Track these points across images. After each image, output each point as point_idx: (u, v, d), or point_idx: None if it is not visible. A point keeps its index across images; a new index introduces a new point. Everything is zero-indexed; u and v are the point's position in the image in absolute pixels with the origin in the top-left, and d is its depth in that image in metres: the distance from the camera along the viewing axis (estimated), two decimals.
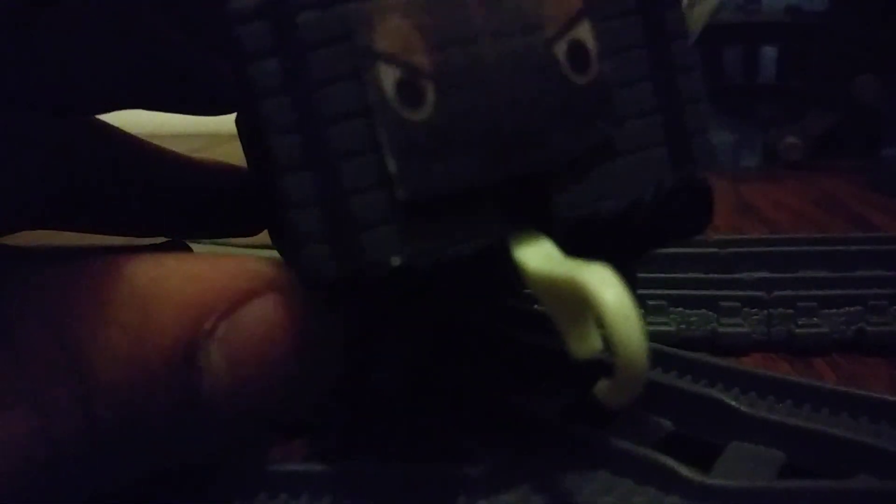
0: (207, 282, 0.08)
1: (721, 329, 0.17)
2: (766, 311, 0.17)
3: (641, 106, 0.09)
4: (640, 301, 0.18)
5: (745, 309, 0.17)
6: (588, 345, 0.08)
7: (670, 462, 0.10)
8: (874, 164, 0.38)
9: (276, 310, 0.08)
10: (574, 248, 0.08)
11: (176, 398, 0.08)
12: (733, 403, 0.12)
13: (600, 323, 0.07)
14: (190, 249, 0.16)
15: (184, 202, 0.15)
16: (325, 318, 0.08)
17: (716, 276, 0.20)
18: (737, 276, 0.19)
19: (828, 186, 0.39)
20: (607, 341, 0.07)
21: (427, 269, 0.08)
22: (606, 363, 0.08)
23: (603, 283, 0.07)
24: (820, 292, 0.18)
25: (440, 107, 0.08)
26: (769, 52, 0.45)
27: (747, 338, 0.17)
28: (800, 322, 0.17)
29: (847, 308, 0.17)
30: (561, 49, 0.08)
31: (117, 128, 0.14)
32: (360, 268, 0.08)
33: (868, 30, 0.41)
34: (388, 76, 0.08)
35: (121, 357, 0.07)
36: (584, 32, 0.08)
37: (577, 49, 0.08)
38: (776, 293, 0.18)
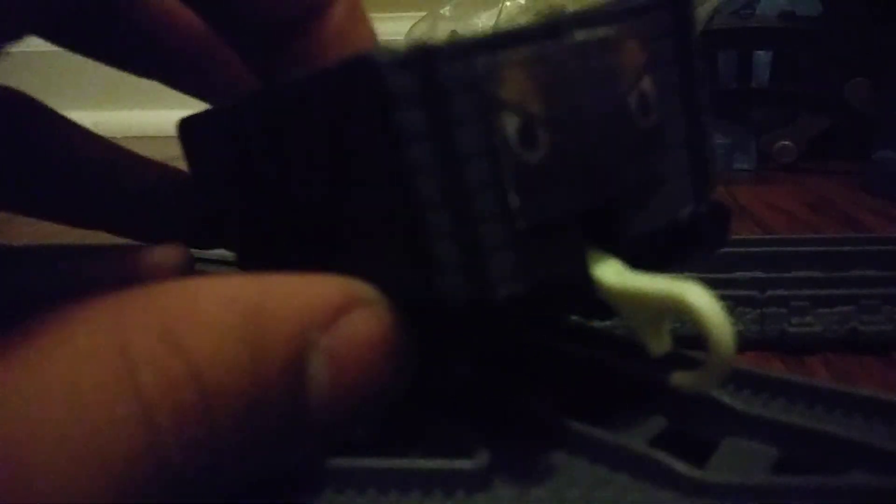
0: (306, 297, 0.09)
1: None
2: (759, 310, 0.17)
3: (677, 140, 0.11)
4: None
5: (739, 308, 0.18)
6: (663, 344, 0.10)
7: (666, 458, 0.10)
8: (866, 167, 0.39)
9: (370, 321, 0.09)
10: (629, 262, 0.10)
11: (287, 407, 0.08)
12: (727, 401, 0.12)
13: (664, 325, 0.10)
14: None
15: (114, 195, 0.16)
16: (408, 327, 0.09)
17: (710, 275, 0.20)
18: (731, 275, 0.20)
19: (820, 188, 0.39)
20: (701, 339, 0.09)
21: (536, 290, 0.09)
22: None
23: (701, 297, 0.09)
24: (813, 292, 0.18)
25: (551, 148, 0.09)
26: (763, 57, 0.45)
27: (741, 336, 0.17)
28: (793, 321, 0.17)
29: (840, 307, 0.17)
30: (633, 98, 0.10)
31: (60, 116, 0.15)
32: (485, 292, 0.09)
33: (860, 35, 0.42)
34: (511, 122, 0.09)
35: (242, 367, 0.08)
36: (647, 84, 0.10)
37: (642, 98, 0.10)
38: (769, 292, 0.18)
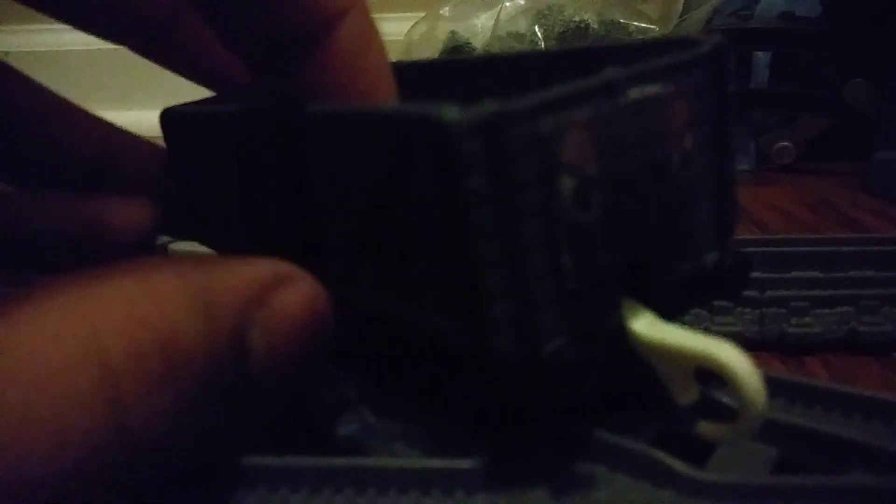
0: (245, 275, 0.09)
1: (714, 328, 0.17)
2: (758, 311, 0.17)
3: (707, 191, 0.11)
4: None
5: (738, 308, 0.18)
6: (691, 395, 0.10)
7: (665, 457, 0.10)
8: (866, 168, 0.39)
9: (297, 295, 0.10)
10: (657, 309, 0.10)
11: (233, 375, 0.09)
12: (727, 400, 0.12)
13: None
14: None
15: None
16: (329, 301, 0.10)
17: None
18: None
19: (820, 189, 0.39)
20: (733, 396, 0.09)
21: (581, 346, 0.10)
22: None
23: (735, 356, 0.09)
24: (812, 292, 0.18)
25: (603, 209, 0.09)
26: (762, 58, 0.45)
27: (740, 337, 0.17)
28: (792, 321, 0.17)
29: (839, 308, 0.17)
30: (676, 155, 0.10)
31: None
32: (534, 350, 0.09)
33: (860, 35, 0.42)
34: (568, 184, 0.09)
35: (199, 339, 0.09)
36: (689, 141, 0.10)
37: (684, 154, 0.10)
38: (769, 293, 0.18)
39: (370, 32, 0.12)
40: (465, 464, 0.10)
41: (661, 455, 0.10)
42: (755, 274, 0.20)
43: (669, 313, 0.10)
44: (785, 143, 0.45)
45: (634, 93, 0.09)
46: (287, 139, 0.12)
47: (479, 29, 0.46)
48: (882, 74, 0.40)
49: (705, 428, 0.10)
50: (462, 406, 0.12)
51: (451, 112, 0.08)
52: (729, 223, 0.11)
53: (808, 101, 0.45)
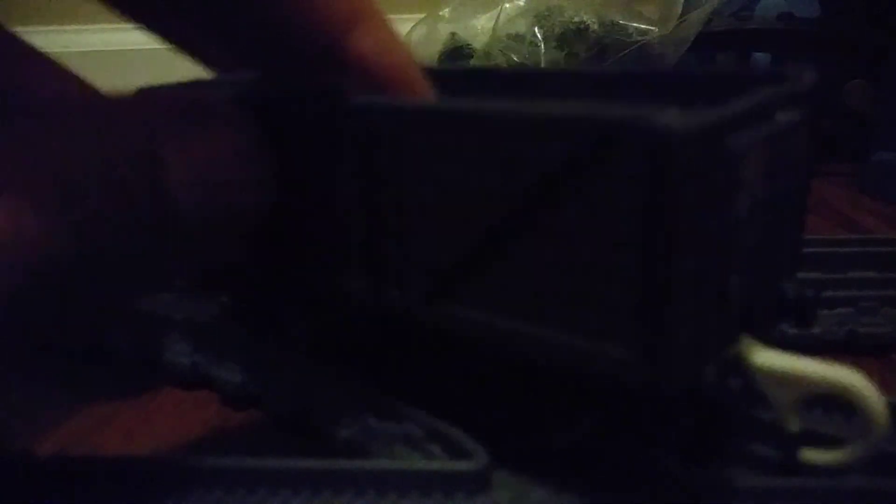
0: (158, 101, 0.10)
1: None
2: None
3: (794, 222, 0.11)
4: None
5: None
6: (797, 422, 0.10)
7: (664, 458, 0.10)
8: (864, 169, 0.39)
9: (228, 135, 0.10)
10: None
11: (145, 191, 0.09)
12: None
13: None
14: None
15: None
16: (255, 152, 0.10)
17: None
18: None
19: (818, 190, 0.39)
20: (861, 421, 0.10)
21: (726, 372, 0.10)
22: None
23: (865, 384, 0.10)
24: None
25: (762, 232, 0.09)
26: (761, 59, 0.45)
27: None
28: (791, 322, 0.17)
29: (838, 309, 0.17)
30: (799, 179, 0.11)
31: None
32: (698, 377, 0.09)
33: (858, 37, 0.42)
34: (744, 202, 0.09)
35: (99, 161, 0.09)
36: (803, 168, 0.11)
37: (799, 182, 0.11)
38: None
39: (389, 37, 0.12)
40: (464, 466, 0.10)
41: (664, 456, 0.10)
42: None
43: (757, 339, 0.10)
44: None
45: (781, 117, 0.09)
46: (375, 139, 0.11)
47: (479, 30, 0.46)
48: (881, 75, 0.40)
49: (820, 458, 0.10)
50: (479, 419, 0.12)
51: (672, 117, 0.08)
52: (799, 257, 0.11)
53: None
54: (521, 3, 0.46)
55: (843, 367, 0.10)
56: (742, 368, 0.10)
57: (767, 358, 0.10)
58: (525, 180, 0.09)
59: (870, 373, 0.17)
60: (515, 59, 0.43)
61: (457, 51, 0.46)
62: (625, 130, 0.08)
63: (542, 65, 0.43)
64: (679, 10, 0.43)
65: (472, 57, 0.44)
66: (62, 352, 0.17)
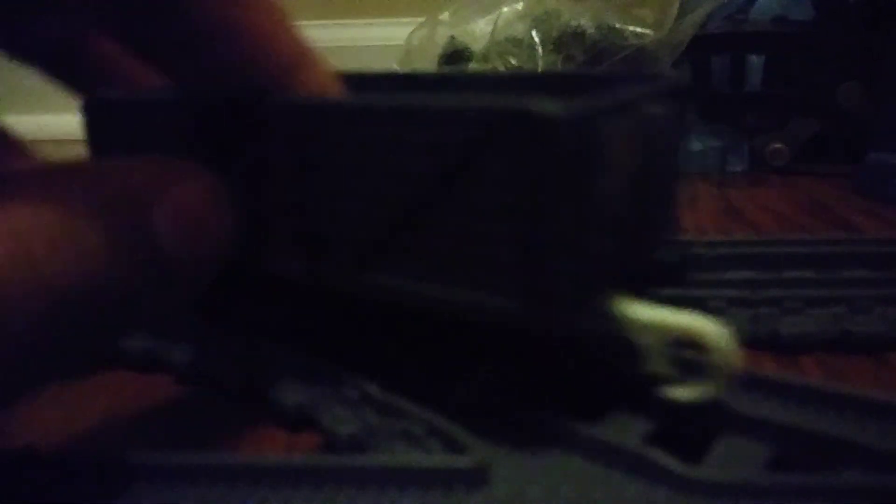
0: (142, 171, 0.11)
1: None
2: (752, 311, 0.18)
3: (668, 198, 0.13)
4: None
5: (732, 308, 0.18)
6: (665, 366, 0.12)
7: (660, 456, 0.11)
8: (858, 170, 0.39)
9: (199, 185, 0.11)
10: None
11: (143, 254, 0.10)
12: (721, 400, 0.12)
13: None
14: None
15: None
16: (226, 198, 0.11)
17: (703, 276, 0.20)
18: (723, 276, 0.20)
19: (813, 191, 0.39)
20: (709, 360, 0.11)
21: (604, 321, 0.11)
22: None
23: (711, 325, 0.11)
24: (805, 292, 0.18)
25: (630, 199, 0.11)
26: (756, 61, 0.46)
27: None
28: (786, 321, 0.18)
29: (832, 308, 0.18)
30: (667, 161, 0.13)
31: None
32: (572, 313, 0.11)
33: (852, 39, 0.42)
34: (613, 177, 0.11)
35: (102, 228, 0.10)
36: (669, 154, 0.13)
37: (670, 160, 0.13)
38: (762, 293, 0.18)
39: (328, 81, 0.13)
40: (464, 462, 0.10)
41: (656, 453, 0.11)
42: (749, 274, 0.20)
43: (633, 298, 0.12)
44: (778, 146, 0.45)
45: (647, 108, 0.11)
46: (296, 130, 0.13)
47: (478, 34, 0.46)
48: (874, 77, 0.41)
49: (681, 394, 0.12)
50: (460, 399, 0.13)
51: (550, 106, 0.10)
52: (676, 225, 0.13)
53: (801, 104, 0.45)
54: (520, 8, 0.46)
55: (700, 316, 0.11)
56: (617, 319, 0.12)
57: (636, 310, 0.11)
58: (433, 163, 0.11)
59: (863, 371, 0.17)
60: (513, 62, 0.43)
61: (456, 54, 0.46)
62: (512, 117, 0.10)
63: (540, 68, 0.43)
64: (675, 13, 0.44)
65: (471, 60, 0.45)
66: None
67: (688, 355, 0.12)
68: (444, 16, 0.49)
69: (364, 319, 0.15)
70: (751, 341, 0.18)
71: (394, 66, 0.47)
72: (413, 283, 0.12)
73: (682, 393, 0.12)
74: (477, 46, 0.46)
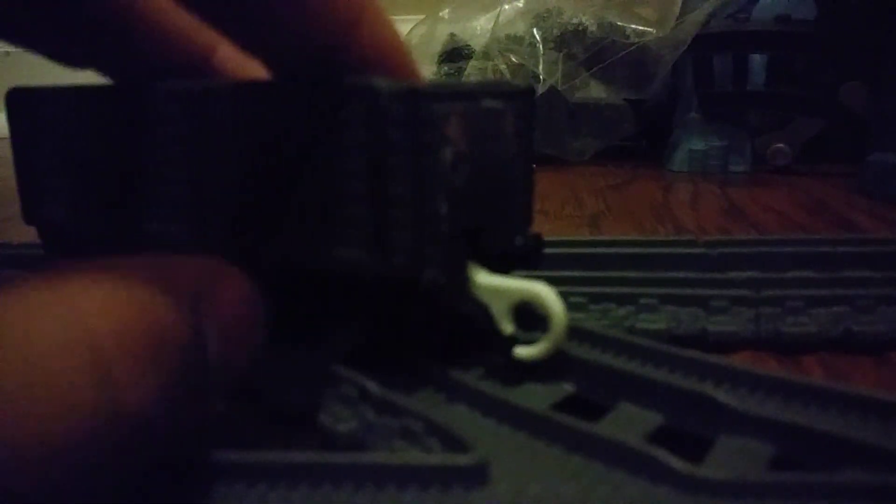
0: (188, 271, 0.10)
1: (710, 327, 0.17)
2: (754, 310, 0.18)
3: (519, 189, 0.14)
4: (633, 299, 0.18)
5: (734, 307, 0.18)
6: (511, 327, 0.13)
7: (662, 454, 0.10)
8: (860, 169, 0.39)
9: (237, 286, 0.11)
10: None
11: (197, 363, 0.09)
12: (724, 399, 0.12)
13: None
14: None
15: None
16: (260, 294, 0.11)
17: (706, 275, 0.20)
18: (726, 275, 0.20)
19: (815, 191, 0.39)
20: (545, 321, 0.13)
21: (446, 278, 0.13)
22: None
23: (547, 291, 0.13)
24: (807, 292, 0.18)
25: (467, 177, 0.13)
26: (758, 60, 0.46)
27: (736, 336, 0.17)
28: (788, 321, 0.17)
29: (834, 307, 0.18)
30: (505, 155, 0.14)
31: None
32: (419, 272, 0.12)
33: (855, 38, 0.42)
34: (448, 153, 0.12)
35: (177, 323, 0.09)
36: (513, 147, 0.14)
37: (511, 156, 0.14)
38: (765, 292, 0.18)
39: (390, 37, 0.13)
40: (463, 460, 0.10)
41: (658, 452, 0.10)
42: (751, 273, 0.20)
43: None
44: (781, 145, 0.45)
45: (486, 102, 0.13)
46: (180, 112, 0.14)
47: (479, 31, 0.46)
48: (877, 77, 0.41)
49: (523, 351, 0.13)
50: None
51: (384, 82, 0.12)
52: (529, 217, 0.15)
53: (803, 104, 0.45)
54: (520, 5, 0.46)
55: (538, 283, 0.13)
56: (469, 286, 0.13)
57: (485, 278, 0.13)
58: (291, 136, 0.13)
59: (866, 371, 0.17)
60: (514, 59, 0.43)
61: (456, 51, 0.46)
62: (356, 91, 0.12)
63: (541, 66, 0.43)
64: (677, 11, 0.43)
65: (472, 57, 0.45)
66: None
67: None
68: (445, 13, 0.48)
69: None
70: (753, 341, 0.17)
71: None
72: (285, 242, 0.14)
73: (526, 352, 0.13)
74: (477, 44, 0.45)
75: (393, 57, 0.13)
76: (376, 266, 0.12)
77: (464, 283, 0.13)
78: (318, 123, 0.13)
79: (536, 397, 0.13)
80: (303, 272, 0.14)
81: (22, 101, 0.17)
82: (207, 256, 0.11)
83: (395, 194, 0.12)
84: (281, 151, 0.13)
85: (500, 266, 0.14)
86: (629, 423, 0.12)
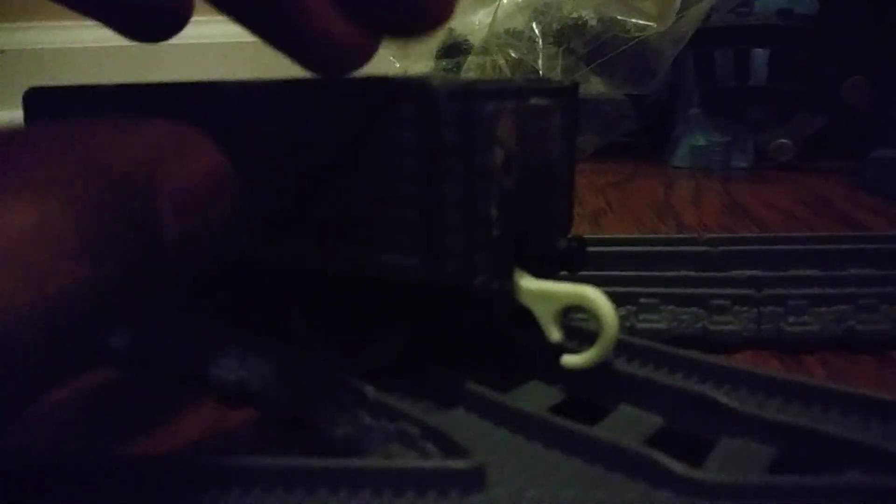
0: (144, 141, 0.10)
1: (712, 326, 0.17)
2: (756, 309, 0.17)
3: (563, 189, 0.14)
4: (633, 299, 0.18)
5: (736, 307, 0.17)
6: (559, 335, 0.13)
7: (662, 457, 0.10)
8: (863, 165, 0.39)
9: (203, 160, 0.10)
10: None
11: (145, 242, 0.09)
12: (724, 400, 0.12)
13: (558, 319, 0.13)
14: None
15: None
16: (230, 175, 0.10)
17: (707, 274, 0.20)
18: (728, 274, 0.19)
19: (817, 187, 0.39)
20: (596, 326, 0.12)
21: (496, 284, 0.12)
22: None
23: (601, 297, 0.12)
24: (810, 290, 0.18)
25: (517, 179, 0.12)
26: (760, 55, 0.45)
27: (737, 335, 0.17)
28: (790, 320, 0.17)
29: (837, 306, 0.17)
30: (555, 151, 0.14)
31: None
32: (470, 278, 0.12)
33: (857, 33, 0.42)
34: (499, 154, 0.12)
35: (109, 207, 0.09)
36: (559, 146, 0.14)
37: (557, 156, 0.14)
38: (766, 291, 0.18)
39: None
40: (460, 464, 0.10)
41: (658, 455, 0.10)
42: (753, 272, 0.20)
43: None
44: (783, 141, 0.45)
45: (534, 100, 0.13)
46: (213, 110, 0.14)
47: (477, 26, 0.46)
48: (880, 72, 0.40)
49: (571, 360, 0.13)
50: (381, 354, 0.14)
51: (437, 82, 0.11)
52: (571, 218, 0.14)
53: (805, 99, 0.45)
54: (519, 0, 0.46)
55: (587, 286, 0.12)
56: (515, 291, 0.13)
57: (531, 282, 0.13)
58: (341, 132, 0.12)
59: (868, 370, 0.17)
60: (513, 54, 0.43)
61: (454, 46, 0.46)
62: (407, 90, 0.12)
63: (541, 60, 0.43)
64: (678, 5, 0.43)
65: (470, 52, 0.44)
66: None
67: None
68: None
69: (280, 287, 0.15)
70: (755, 341, 0.17)
71: (390, 58, 0.47)
72: (327, 248, 0.13)
73: (574, 360, 0.13)
74: (476, 38, 0.45)
75: None
76: (427, 273, 0.12)
77: (512, 289, 0.13)
78: (366, 123, 0.12)
79: (535, 400, 0.13)
80: (343, 281, 0.13)
81: (41, 100, 0.17)
82: (173, 122, 0.10)
83: (447, 197, 0.11)
84: (325, 153, 0.13)
85: (543, 269, 0.13)
86: (629, 426, 0.12)
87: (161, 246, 0.09)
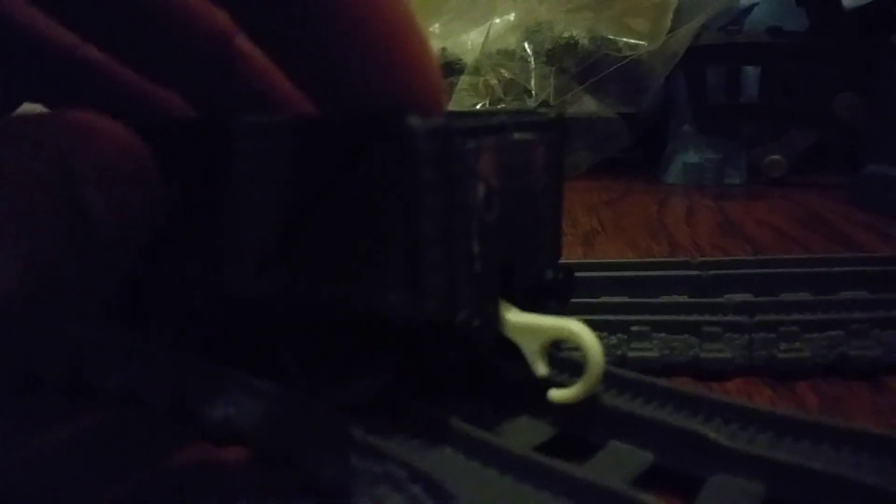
0: (62, 130, 0.10)
1: (703, 354, 0.17)
2: (747, 336, 0.17)
3: (549, 221, 0.14)
4: (624, 327, 0.18)
5: (727, 334, 0.17)
6: (545, 368, 0.13)
7: (651, 499, 0.10)
8: (856, 181, 0.39)
9: (117, 139, 0.10)
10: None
11: (78, 226, 0.10)
12: (714, 436, 0.12)
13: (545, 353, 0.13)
14: None
15: None
16: (147, 153, 0.11)
17: (698, 300, 0.20)
18: (719, 300, 0.19)
19: (810, 203, 0.39)
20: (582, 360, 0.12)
21: (479, 319, 0.12)
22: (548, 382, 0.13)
23: (586, 331, 0.12)
24: (802, 316, 0.18)
25: (499, 213, 0.12)
26: (751, 72, 0.46)
27: (729, 363, 0.17)
28: (782, 347, 0.17)
29: (829, 332, 0.17)
30: (537, 188, 0.14)
31: None
32: (451, 315, 0.12)
33: (848, 49, 0.42)
34: (480, 190, 0.12)
35: (47, 196, 0.09)
36: (544, 179, 0.14)
37: (541, 188, 0.14)
38: (758, 317, 0.18)
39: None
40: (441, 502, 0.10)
41: (646, 496, 0.10)
42: (745, 297, 0.20)
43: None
44: (775, 157, 0.45)
45: (517, 135, 0.13)
46: (206, 149, 0.14)
47: (470, 46, 0.46)
48: (871, 88, 0.41)
49: (558, 394, 0.13)
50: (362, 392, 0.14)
51: (416, 119, 0.11)
52: (559, 249, 0.14)
53: (797, 115, 0.45)
54: (512, 19, 0.46)
55: (573, 320, 0.12)
56: (499, 324, 0.13)
57: (516, 315, 0.13)
58: (319, 172, 0.12)
59: (861, 397, 0.17)
60: (505, 74, 0.43)
61: (447, 66, 0.46)
62: (387, 127, 0.11)
63: (533, 80, 0.43)
64: (668, 24, 0.43)
65: (463, 72, 0.45)
66: None
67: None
68: (436, 27, 0.48)
69: (267, 324, 0.15)
70: (746, 368, 0.17)
71: None
72: (313, 285, 0.13)
73: (561, 395, 0.13)
74: (468, 58, 0.45)
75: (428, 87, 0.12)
76: (410, 310, 0.12)
77: (496, 324, 0.13)
78: (348, 160, 0.12)
79: (523, 437, 0.13)
80: (330, 318, 0.13)
81: None
82: (78, 110, 0.10)
83: (427, 234, 0.11)
84: (309, 190, 0.13)
85: (530, 301, 0.13)
86: (618, 464, 0.12)
87: (90, 223, 0.10)
